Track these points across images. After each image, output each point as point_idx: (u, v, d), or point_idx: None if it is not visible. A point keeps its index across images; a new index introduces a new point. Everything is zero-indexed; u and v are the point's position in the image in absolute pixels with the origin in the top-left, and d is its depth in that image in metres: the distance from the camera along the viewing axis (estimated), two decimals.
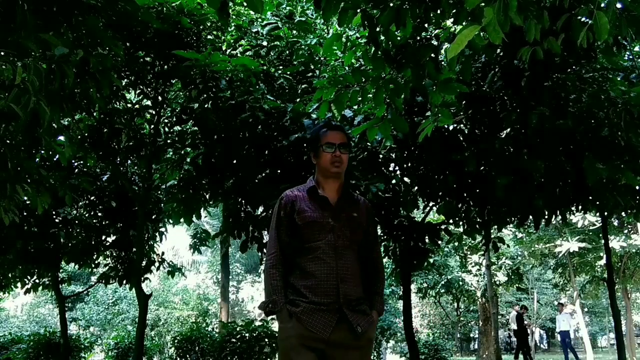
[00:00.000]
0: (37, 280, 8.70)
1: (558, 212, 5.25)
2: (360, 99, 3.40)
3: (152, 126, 6.04)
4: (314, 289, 2.21)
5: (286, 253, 2.33)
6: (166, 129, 6.27)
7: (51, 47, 3.13)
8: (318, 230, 2.28)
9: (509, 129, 4.96)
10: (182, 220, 5.95)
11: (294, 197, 2.37)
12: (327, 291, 2.21)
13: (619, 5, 2.82)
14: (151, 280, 9.88)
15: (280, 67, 5.77)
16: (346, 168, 2.41)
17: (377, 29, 3.08)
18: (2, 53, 3.13)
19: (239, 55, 5.69)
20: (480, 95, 4.87)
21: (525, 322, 15.15)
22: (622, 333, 7.99)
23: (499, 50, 4.61)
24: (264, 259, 2.37)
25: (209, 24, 5.63)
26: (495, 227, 5.94)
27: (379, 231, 5.90)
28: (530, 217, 5.28)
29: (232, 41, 5.97)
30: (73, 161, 6.90)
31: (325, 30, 6.53)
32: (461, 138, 5.21)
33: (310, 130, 2.41)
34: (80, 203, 7.58)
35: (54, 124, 4.01)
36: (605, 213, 6.51)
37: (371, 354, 2.28)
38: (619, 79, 4.79)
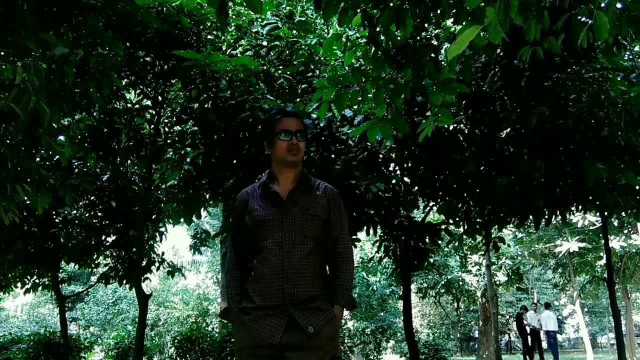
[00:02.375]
0: (37, 280, 8.70)
1: (558, 212, 5.25)
2: (360, 99, 3.40)
3: (152, 126, 6.04)
4: (261, 293, 2.10)
5: (243, 256, 2.24)
6: (166, 129, 6.27)
7: (51, 47, 3.13)
8: (267, 229, 2.14)
9: (509, 129, 4.96)
10: (182, 220, 5.94)
11: (247, 196, 2.25)
12: (272, 293, 2.08)
13: (619, 5, 2.82)
14: (151, 280, 9.89)
15: (280, 67, 5.77)
16: (304, 156, 2.28)
17: (377, 29, 3.08)
18: (2, 53, 3.13)
19: (239, 55, 5.68)
20: (480, 95, 4.87)
21: (525, 323, 15.14)
22: (622, 333, 7.99)
23: (499, 50, 4.61)
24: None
25: (209, 24, 5.63)
26: (496, 227, 5.94)
27: (379, 231, 5.90)
28: (530, 217, 5.28)
29: (232, 41, 5.97)
30: (73, 161, 6.90)
31: (325, 30, 6.53)
32: (461, 138, 5.21)
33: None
34: (80, 203, 7.58)
35: (54, 124, 4.01)
36: (605, 213, 6.51)
37: (336, 351, 2.12)
38: (619, 79, 4.79)
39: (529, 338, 15.17)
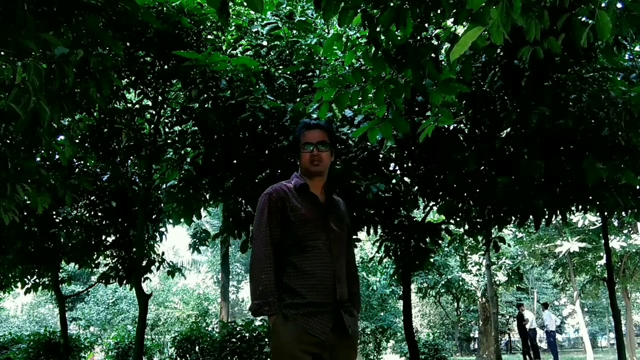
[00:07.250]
0: (37, 280, 8.70)
1: (558, 212, 5.25)
2: (360, 99, 3.39)
3: (152, 126, 6.04)
4: (313, 290, 2.17)
5: (279, 252, 2.25)
6: (166, 129, 6.27)
7: (51, 47, 3.13)
8: (313, 229, 2.24)
9: (509, 129, 4.96)
10: (182, 220, 5.95)
11: (283, 193, 2.28)
12: (325, 292, 2.18)
13: (619, 5, 2.82)
14: (151, 280, 9.88)
15: (280, 67, 5.76)
16: (328, 167, 2.38)
17: (377, 29, 3.08)
18: (2, 53, 3.12)
19: (239, 55, 5.68)
20: (481, 95, 4.87)
21: (523, 323, 15.14)
22: (622, 333, 7.99)
23: (499, 50, 4.61)
24: (252, 256, 2.25)
25: (209, 24, 5.63)
26: (496, 227, 5.94)
27: (379, 231, 5.91)
28: (531, 217, 5.27)
29: (232, 41, 5.96)
30: (73, 161, 6.90)
31: (325, 30, 6.52)
32: (461, 138, 5.21)
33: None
34: (80, 203, 7.58)
35: (54, 124, 4.01)
36: (605, 213, 6.51)
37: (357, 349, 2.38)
38: (619, 79, 4.78)
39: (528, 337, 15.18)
